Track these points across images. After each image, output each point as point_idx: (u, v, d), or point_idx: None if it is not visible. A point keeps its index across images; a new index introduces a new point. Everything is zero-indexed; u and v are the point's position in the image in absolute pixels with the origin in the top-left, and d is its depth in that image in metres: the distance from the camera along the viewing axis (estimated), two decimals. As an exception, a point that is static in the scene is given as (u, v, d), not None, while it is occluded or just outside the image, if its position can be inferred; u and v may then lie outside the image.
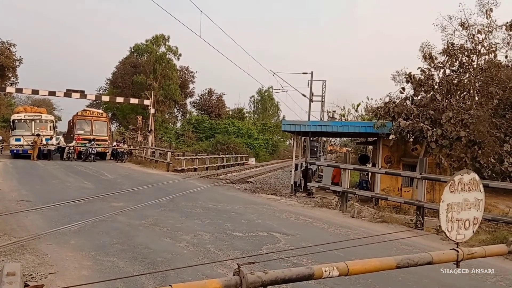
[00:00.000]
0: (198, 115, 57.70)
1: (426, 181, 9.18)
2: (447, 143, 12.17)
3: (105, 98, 38.43)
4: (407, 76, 13.79)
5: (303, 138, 18.98)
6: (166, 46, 51.20)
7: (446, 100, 12.79)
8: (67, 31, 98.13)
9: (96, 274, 4.76)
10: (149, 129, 31.18)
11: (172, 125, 57.64)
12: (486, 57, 13.49)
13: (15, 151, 24.48)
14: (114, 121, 56.37)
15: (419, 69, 13.73)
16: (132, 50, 52.66)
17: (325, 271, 2.08)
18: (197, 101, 59.31)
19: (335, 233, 7.78)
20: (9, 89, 33.18)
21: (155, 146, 30.23)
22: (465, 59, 13.53)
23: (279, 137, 66.68)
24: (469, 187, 2.58)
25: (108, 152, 28.83)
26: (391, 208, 11.95)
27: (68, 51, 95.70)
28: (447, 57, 13.54)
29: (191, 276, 4.57)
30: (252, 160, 41.34)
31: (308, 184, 14.78)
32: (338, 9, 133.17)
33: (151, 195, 11.54)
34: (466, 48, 13.57)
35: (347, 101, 62.96)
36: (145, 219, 8.09)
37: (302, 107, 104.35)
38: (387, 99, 15.62)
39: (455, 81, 13.40)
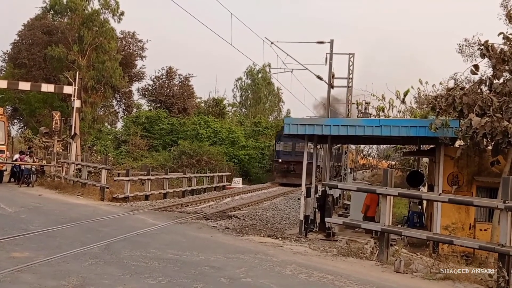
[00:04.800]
0: (150, 109, 57.67)
1: (513, 213, 9.23)
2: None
3: (1, 84, 38.13)
4: (482, 47, 13.87)
5: (318, 146, 19.03)
6: (101, 0, 51.26)
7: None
8: None
9: None
10: (73, 133, 31.01)
11: (109, 127, 57.54)
12: None
13: None
14: (15, 121, 56.13)
15: (501, 36, 13.83)
16: (46, 7, 52.57)
17: None
18: (150, 87, 59.40)
19: (370, 298, 7.78)
20: None
21: (82, 160, 30.04)
22: None
23: (281, 145, 66.77)
24: None
25: (5, 170, 28.59)
26: (459, 257, 11.97)
27: None
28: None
29: None
30: (238, 182, 41.28)
31: (326, 219, 14.78)
32: None
33: (76, 240, 11.44)
34: None
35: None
36: (65, 278, 8.01)
37: (318, 97, 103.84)
38: (450, 83, 15.71)
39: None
